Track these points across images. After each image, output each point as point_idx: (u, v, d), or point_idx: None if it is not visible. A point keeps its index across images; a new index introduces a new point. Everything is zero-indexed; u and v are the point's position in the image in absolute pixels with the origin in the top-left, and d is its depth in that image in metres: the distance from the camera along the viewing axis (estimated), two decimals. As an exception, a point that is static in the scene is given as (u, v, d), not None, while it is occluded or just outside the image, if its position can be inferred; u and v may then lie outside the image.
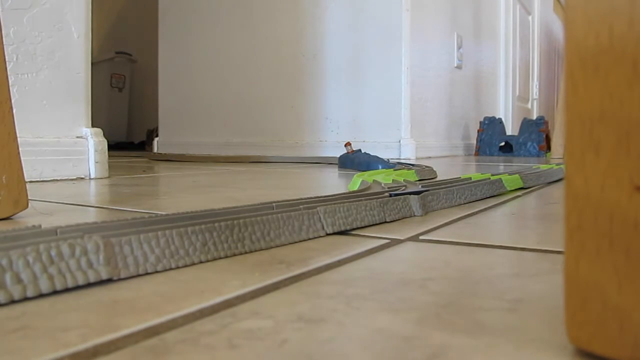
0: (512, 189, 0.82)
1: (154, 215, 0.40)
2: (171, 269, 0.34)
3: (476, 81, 2.91)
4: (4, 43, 0.55)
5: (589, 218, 0.21)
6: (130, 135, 3.77)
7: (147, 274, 0.33)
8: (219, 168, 1.48)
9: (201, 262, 0.36)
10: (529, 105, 3.91)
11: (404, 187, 0.63)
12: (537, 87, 4.03)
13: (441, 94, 2.45)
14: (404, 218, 0.55)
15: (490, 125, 2.65)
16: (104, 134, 1.09)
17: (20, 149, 0.56)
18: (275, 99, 2.32)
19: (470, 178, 0.78)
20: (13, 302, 0.27)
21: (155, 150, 2.63)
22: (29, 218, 0.55)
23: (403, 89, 2.09)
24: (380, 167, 1.25)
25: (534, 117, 3.56)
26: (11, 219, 0.55)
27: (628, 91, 0.20)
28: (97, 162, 1.05)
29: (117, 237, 0.32)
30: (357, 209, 0.49)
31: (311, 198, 0.51)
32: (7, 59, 0.72)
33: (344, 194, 0.56)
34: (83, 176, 1.04)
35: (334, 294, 0.29)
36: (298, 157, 1.93)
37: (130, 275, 0.32)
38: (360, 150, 1.48)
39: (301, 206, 0.46)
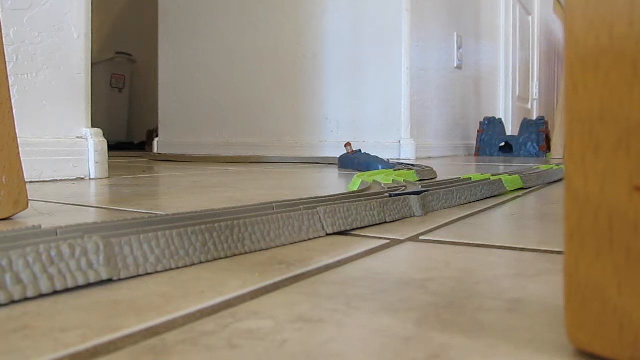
0: (512, 189, 0.82)
1: (154, 215, 0.40)
2: (171, 269, 0.34)
3: (476, 81, 2.91)
4: (4, 43, 0.55)
5: (589, 218, 0.21)
6: (130, 136, 3.77)
7: (147, 274, 0.33)
8: (219, 168, 1.48)
9: (201, 262, 0.36)
10: (529, 106, 3.91)
11: (404, 188, 0.63)
12: (537, 87, 4.03)
13: (441, 94, 2.45)
14: (404, 218, 0.55)
15: (490, 126, 2.65)
16: (104, 134, 1.09)
17: (20, 149, 0.56)
18: (275, 99, 2.32)
19: (470, 178, 0.78)
20: (13, 302, 0.27)
21: (155, 150, 2.63)
22: (29, 218, 0.55)
23: (403, 89, 2.09)
24: (380, 168, 1.25)
25: (534, 118, 3.56)
26: (11, 219, 0.55)
27: (628, 91, 0.20)
28: (97, 163, 1.05)
29: (117, 238, 0.32)
30: (357, 209, 0.49)
31: (311, 198, 0.51)
32: (7, 60, 0.72)
33: (344, 194, 0.56)
34: (83, 176, 1.04)
35: (334, 294, 0.29)
36: (298, 157, 1.93)
37: (130, 276, 0.32)
38: (360, 150, 1.48)
39: (301, 206, 0.46)
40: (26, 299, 0.28)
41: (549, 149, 2.54)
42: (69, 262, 0.30)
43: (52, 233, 0.33)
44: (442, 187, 0.66)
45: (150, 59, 3.26)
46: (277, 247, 0.41)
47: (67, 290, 0.29)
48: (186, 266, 0.35)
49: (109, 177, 1.08)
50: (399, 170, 1.00)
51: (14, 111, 0.55)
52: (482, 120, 2.70)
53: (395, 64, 2.09)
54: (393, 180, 0.72)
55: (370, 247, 0.42)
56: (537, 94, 4.03)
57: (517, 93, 3.50)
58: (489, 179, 0.77)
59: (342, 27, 2.18)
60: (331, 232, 0.46)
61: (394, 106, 2.11)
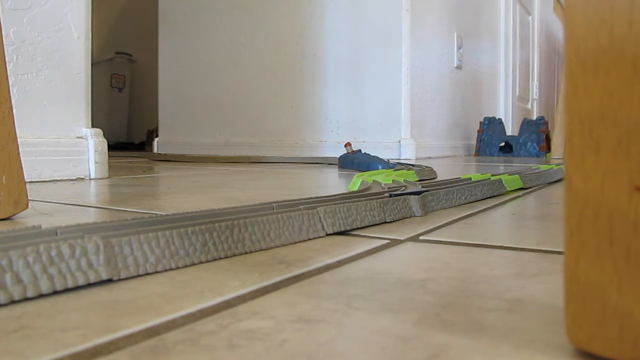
0: (512, 189, 0.82)
1: (154, 215, 0.40)
2: (171, 269, 0.34)
3: (476, 81, 2.91)
4: (4, 43, 0.55)
5: (589, 218, 0.21)
6: (130, 136, 3.77)
7: (147, 274, 0.33)
8: (219, 168, 1.48)
9: (201, 262, 0.36)
10: (529, 106, 3.91)
11: (404, 188, 0.63)
12: (537, 87, 4.02)
13: (441, 94, 2.45)
14: (404, 218, 0.55)
15: (490, 126, 2.65)
16: (104, 134, 1.09)
17: (20, 149, 0.56)
18: (275, 99, 2.32)
19: (470, 178, 0.78)
20: (13, 302, 0.27)
21: (155, 150, 2.63)
22: (29, 218, 0.55)
23: (403, 89, 2.09)
24: (380, 168, 1.25)
25: (534, 118, 3.56)
26: (11, 219, 0.55)
27: (628, 91, 0.20)
28: (97, 163, 1.05)
29: (117, 238, 0.32)
30: (357, 210, 0.49)
31: (311, 198, 0.51)
32: (7, 60, 0.72)
33: (344, 194, 0.56)
34: (83, 176, 1.04)
35: (334, 294, 0.29)
36: (298, 157, 1.93)
37: (130, 276, 0.32)
38: (360, 150, 1.48)
39: (301, 206, 0.46)
40: (26, 299, 0.28)
41: (549, 149, 2.54)
42: (69, 262, 0.30)
43: (52, 233, 0.33)
44: (442, 187, 0.66)
45: (150, 59, 3.26)
46: (277, 247, 0.41)
47: (67, 290, 0.29)
48: (186, 266, 0.35)
49: (109, 177, 1.08)
50: (399, 170, 1.00)
51: (14, 111, 0.55)
52: (482, 120, 2.70)
53: (395, 64, 2.09)
54: (393, 180, 0.72)
55: (370, 247, 0.42)
56: (537, 94, 4.03)
57: (517, 93, 3.50)
58: (489, 179, 0.77)
59: (342, 27, 2.18)
60: (331, 232, 0.46)
61: (394, 106, 2.11)
